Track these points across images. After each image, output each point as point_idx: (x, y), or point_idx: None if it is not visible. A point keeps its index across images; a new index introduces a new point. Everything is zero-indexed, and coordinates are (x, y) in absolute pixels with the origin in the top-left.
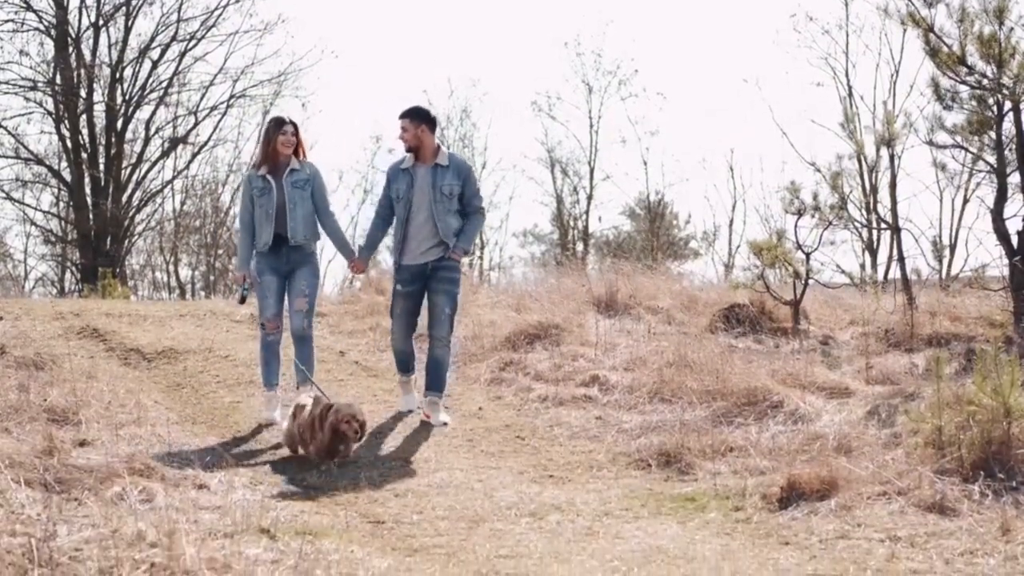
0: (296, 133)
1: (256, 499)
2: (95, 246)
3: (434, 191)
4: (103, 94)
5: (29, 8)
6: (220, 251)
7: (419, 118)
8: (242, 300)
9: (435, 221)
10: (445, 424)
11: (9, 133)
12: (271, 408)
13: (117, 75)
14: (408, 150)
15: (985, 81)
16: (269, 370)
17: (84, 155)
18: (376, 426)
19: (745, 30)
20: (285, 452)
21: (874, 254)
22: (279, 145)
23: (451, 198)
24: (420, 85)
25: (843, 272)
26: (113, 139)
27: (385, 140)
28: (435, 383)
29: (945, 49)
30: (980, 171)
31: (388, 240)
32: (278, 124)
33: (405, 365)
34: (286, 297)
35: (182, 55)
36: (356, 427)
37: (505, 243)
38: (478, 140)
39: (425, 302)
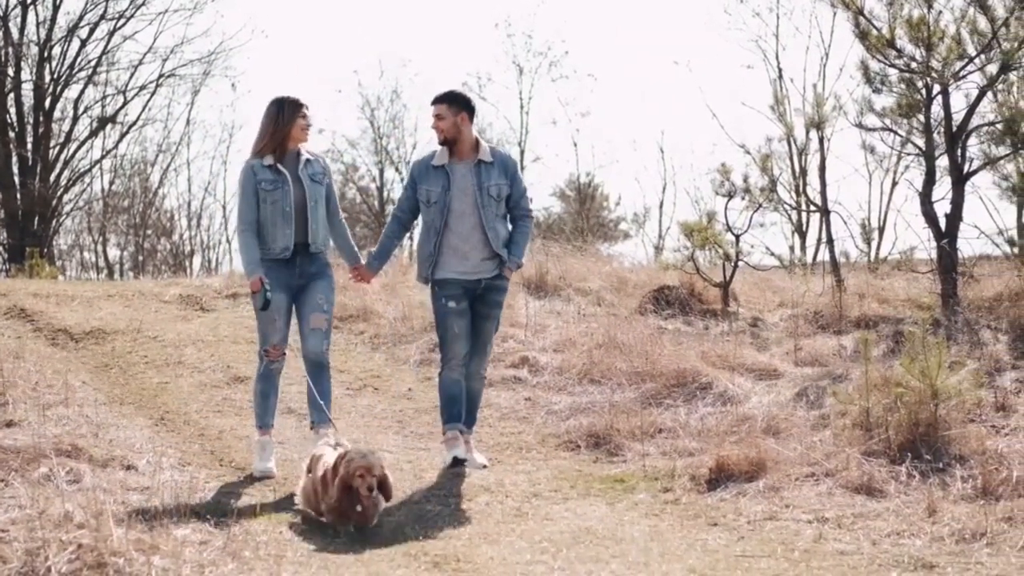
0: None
1: (184, 480)
2: (22, 226)
3: (480, 193)
4: (31, 73)
5: None
6: (149, 231)
7: (459, 104)
8: (266, 305)
9: (484, 229)
10: (484, 467)
11: None
12: (265, 457)
13: (45, 54)
14: (443, 142)
15: (914, 64)
16: (266, 407)
17: (12, 134)
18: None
19: (676, 12)
20: (210, 435)
21: (803, 236)
22: (297, 131)
23: (499, 201)
24: (351, 65)
25: (772, 254)
26: (41, 118)
27: (315, 121)
28: (470, 419)
29: (875, 32)
30: (909, 154)
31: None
32: (296, 107)
33: (460, 410)
34: (296, 316)
35: (111, 34)
36: (370, 483)
37: None
38: (408, 120)
39: None
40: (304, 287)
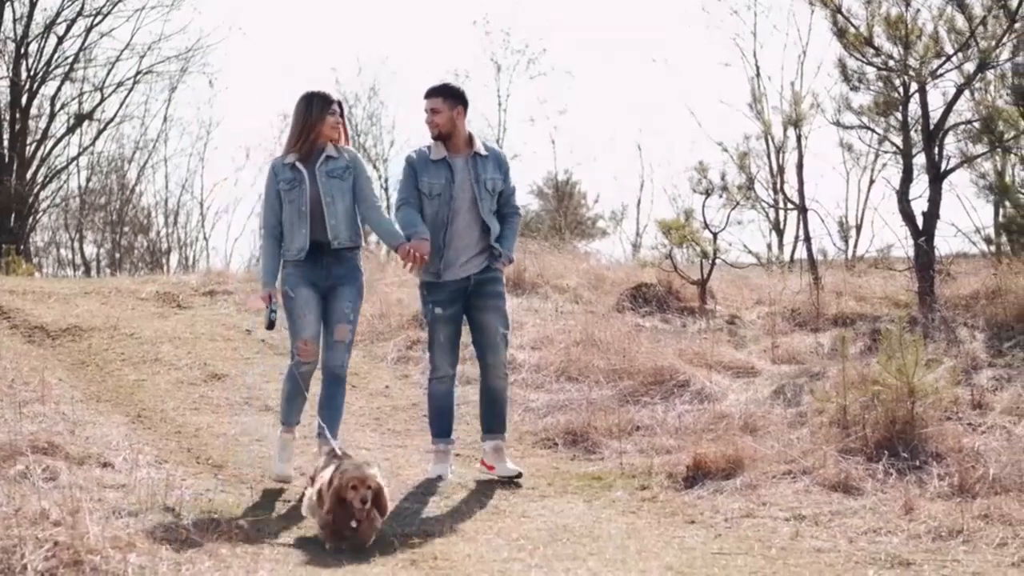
0: (342, 114)
1: (161, 477)
2: None
3: (478, 186)
4: (8, 69)
5: None
6: (126, 228)
7: (455, 98)
8: (270, 325)
9: (481, 224)
10: (519, 475)
11: None
12: (284, 458)
13: (22, 50)
14: (436, 137)
15: (892, 62)
16: (292, 406)
17: None
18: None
19: (654, 9)
20: (189, 432)
21: (781, 234)
22: (327, 128)
23: (493, 195)
24: (329, 62)
25: (750, 252)
26: (18, 115)
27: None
28: (497, 423)
29: (852, 30)
30: (886, 152)
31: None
32: (326, 102)
33: (449, 424)
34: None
35: (88, 30)
36: (364, 495)
37: None
38: (387, 118)
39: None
40: (333, 289)
